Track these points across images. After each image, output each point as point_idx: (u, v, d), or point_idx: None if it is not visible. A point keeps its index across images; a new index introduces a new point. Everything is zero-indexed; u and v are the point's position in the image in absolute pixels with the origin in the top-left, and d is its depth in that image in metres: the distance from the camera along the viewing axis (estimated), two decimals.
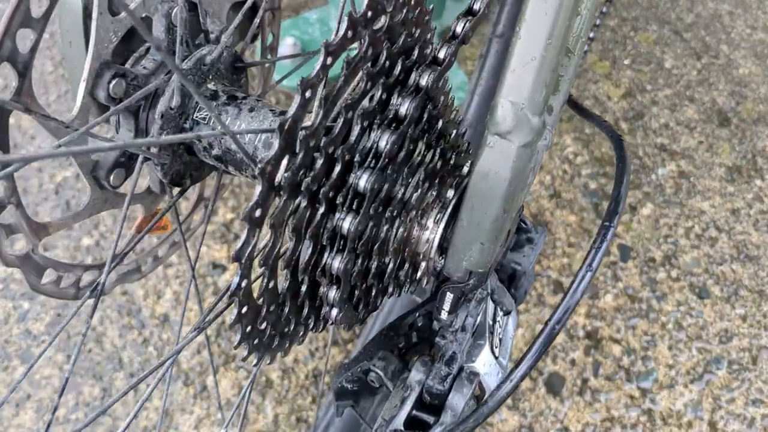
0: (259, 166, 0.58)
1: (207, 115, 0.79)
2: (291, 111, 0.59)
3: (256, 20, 0.86)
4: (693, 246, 1.97)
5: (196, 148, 0.81)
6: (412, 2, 0.73)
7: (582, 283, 0.62)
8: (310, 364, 1.74)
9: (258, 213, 0.60)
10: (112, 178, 0.81)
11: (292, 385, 1.71)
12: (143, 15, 0.81)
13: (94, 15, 0.72)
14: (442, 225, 0.73)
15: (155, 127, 0.77)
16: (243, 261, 0.62)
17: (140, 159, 0.78)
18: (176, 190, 0.89)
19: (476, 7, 0.74)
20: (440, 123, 0.72)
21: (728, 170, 2.15)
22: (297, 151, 0.61)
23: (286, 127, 0.59)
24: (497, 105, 0.62)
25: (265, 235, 0.64)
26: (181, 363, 1.74)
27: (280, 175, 0.61)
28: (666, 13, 2.62)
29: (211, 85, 0.82)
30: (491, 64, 1.67)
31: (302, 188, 0.62)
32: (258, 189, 0.59)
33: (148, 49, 0.81)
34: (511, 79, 0.61)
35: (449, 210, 0.73)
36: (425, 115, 0.69)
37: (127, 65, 0.81)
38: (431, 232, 0.74)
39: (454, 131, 0.75)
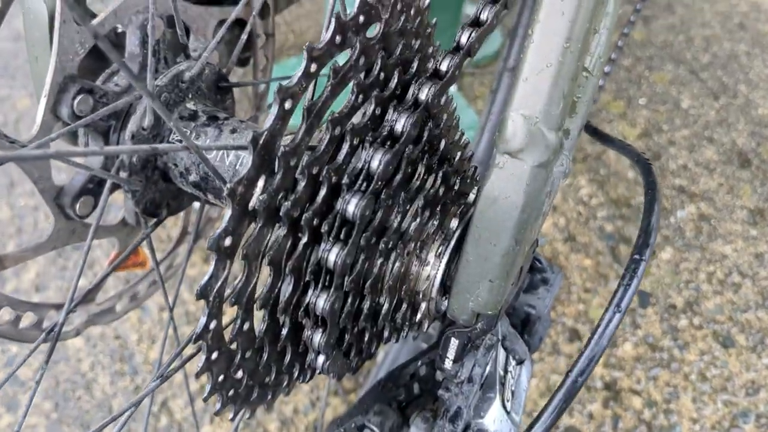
0: (228, 185, 0.49)
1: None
2: (267, 123, 0.51)
3: (243, 37, 0.78)
4: (716, 292, 1.87)
5: (172, 174, 0.72)
6: (412, 11, 0.66)
7: (609, 327, 0.52)
8: (310, 415, 1.63)
9: (228, 242, 0.52)
10: (78, 206, 0.73)
11: None
12: (116, 27, 0.73)
13: (57, 23, 0.64)
14: (444, 259, 0.64)
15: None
16: (211, 299, 0.53)
17: (107, 185, 0.70)
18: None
19: (483, 17, 0.66)
20: (442, 144, 0.63)
21: (750, 213, 2.06)
22: (275, 170, 0.53)
23: (260, 141, 0.51)
24: (507, 119, 0.53)
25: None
26: (174, 413, 1.64)
27: (255, 198, 0.52)
28: (681, 53, 2.56)
29: (190, 105, 0.74)
30: (502, 99, 1.60)
31: (281, 214, 0.54)
32: (227, 213, 0.51)
33: None
34: (524, 89, 0.53)
35: (453, 242, 0.63)
36: (425, 134, 0.60)
37: (98, 82, 0.73)
38: (432, 267, 0.65)
39: (459, 154, 0.66)
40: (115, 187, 0.73)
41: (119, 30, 0.77)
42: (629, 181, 2.12)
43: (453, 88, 2.22)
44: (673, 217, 2.04)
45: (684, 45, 2.59)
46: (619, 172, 2.15)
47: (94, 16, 0.73)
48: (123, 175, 0.70)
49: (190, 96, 0.74)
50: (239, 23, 0.91)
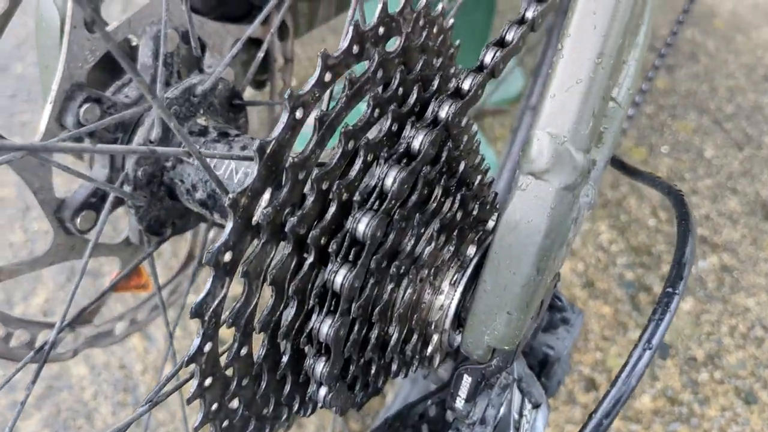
0: (230, 196, 0.46)
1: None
2: (275, 132, 0.48)
3: (259, 55, 0.76)
4: (738, 346, 1.80)
5: (179, 190, 0.69)
6: (435, 29, 0.63)
7: (639, 366, 0.48)
8: None
9: (228, 257, 0.48)
10: (78, 220, 0.69)
11: None
12: (130, 40, 0.71)
13: (67, 28, 0.62)
14: (460, 288, 0.59)
15: (131, 163, 0.66)
16: (206, 318, 0.49)
17: (110, 199, 0.66)
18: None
19: (509, 38, 0.63)
20: (462, 166, 0.60)
21: None
22: (282, 183, 0.49)
23: (268, 151, 0.47)
24: (532, 138, 0.50)
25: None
26: None
27: (260, 212, 0.49)
28: (705, 102, 2.53)
29: (201, 120, 0.71)
30: (523, 138, 1.57)
31: (286, 230, 0.50)
32: (228, 226, 0.47)
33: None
34: (551, 106, 0.49)
35: (469, 270, 0.59)
36: (443, 155, 0.57)
37: (108, 93, 0.71)
38: (447, 296, 0.60)
39: (479, 178, 0.63)
40: (118, 202, 0.70)
41: (133, 43, 0.75)
42: (650, 228, 2.07)
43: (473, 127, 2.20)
44: (694, 267, 1.98)
45: (708, 95, 2.56)
46: (640, 219, 2.10)
47: (107, 25, 0.71)
48: (127, 189, 0.67)
49: (201, 111, 0.72)
50: (258, 43, 0.89)
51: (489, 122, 2.40)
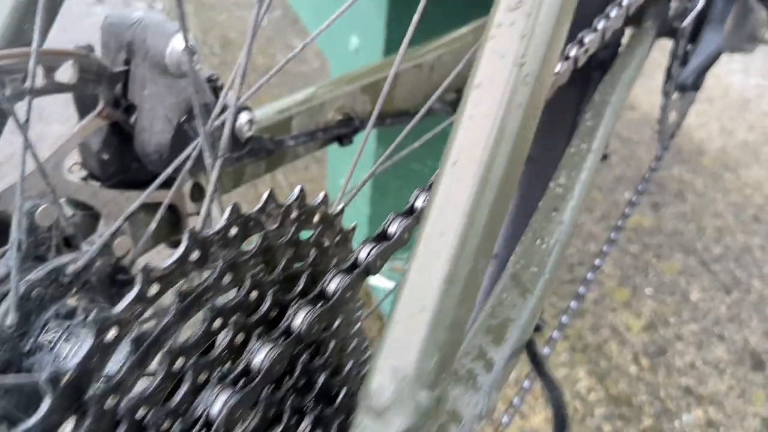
0: None
1: (55, 337, 0.63)
2: (75, 359, 0.42)
3: (151, 227, 0.71)
4: None
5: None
6: (315, 218, 0.58)
7: None
8: None
9: None
10: None
11: None
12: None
13: None
14: None
15: None
16: None
17: None
18: None
19: (391, 230, 0.58)
20: (322, 378, 0.53)
21: (763, 422, 1.89)
22: (86, 413, 0.43)
23: (62, 382, 0.42)
24: (374, 369, 0.44)
25: None
26: None
27: None
28: (691, 243, 2.48)
29: (72, 301, 0.66)
30: (484, 288, 1.50)
31: None
32: None
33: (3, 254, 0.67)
34: (394, 334, 0.44)
35: None
36: (297, 369, 0.51)
37: None
38: None
39: (345, 390, 0.56)
40: None
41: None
42: (631, 376, 1.97)
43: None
44: (678, 420, 1.87)
45: (695, 234, 2.52)
46: (621, 366, 2.00)
47: None
48: None
49: (74, 291, 0.66)
50: (170, 207, 0.85)
51: None
